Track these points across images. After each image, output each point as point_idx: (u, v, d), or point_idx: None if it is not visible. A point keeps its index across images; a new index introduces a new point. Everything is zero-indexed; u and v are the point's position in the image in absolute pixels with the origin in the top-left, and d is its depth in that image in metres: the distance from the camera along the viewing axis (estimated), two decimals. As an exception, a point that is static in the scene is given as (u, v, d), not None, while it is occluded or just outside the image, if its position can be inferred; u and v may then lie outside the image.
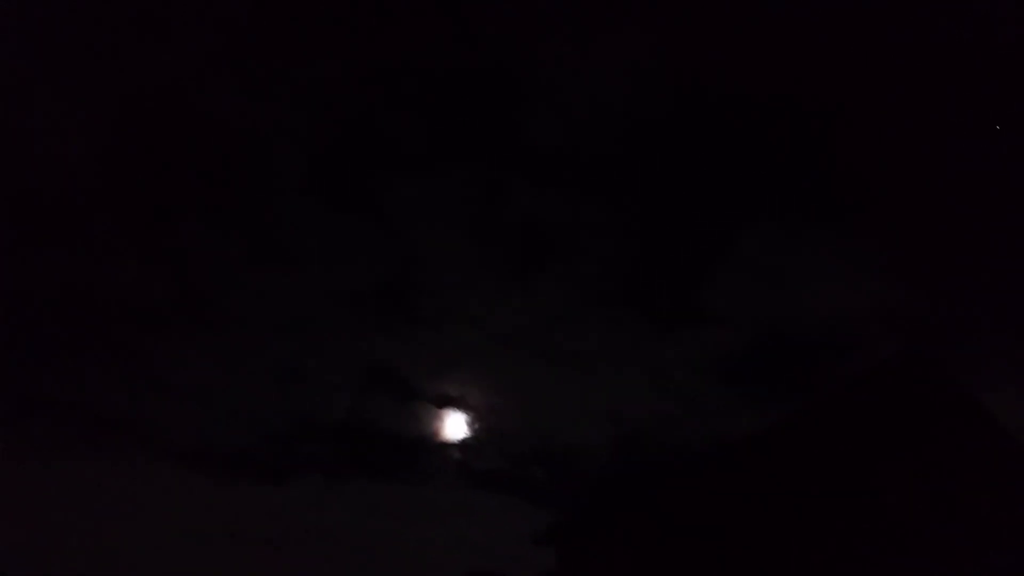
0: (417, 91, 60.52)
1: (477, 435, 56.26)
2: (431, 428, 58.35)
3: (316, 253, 65.28)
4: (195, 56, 52.61)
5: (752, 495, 14.29)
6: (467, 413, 56.93)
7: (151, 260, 60.07)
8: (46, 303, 54.00)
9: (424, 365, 67.66)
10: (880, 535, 13.21)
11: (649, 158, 65.00)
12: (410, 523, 56.33)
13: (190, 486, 52.56)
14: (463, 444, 55.76)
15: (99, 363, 58.20)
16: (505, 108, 64.45)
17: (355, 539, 54.97)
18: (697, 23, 52.22)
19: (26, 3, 41.84)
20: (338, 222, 66.56)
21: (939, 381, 15.29)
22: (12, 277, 51.15)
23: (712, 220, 66.10)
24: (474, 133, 64.82)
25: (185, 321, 61.65)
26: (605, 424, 63.24)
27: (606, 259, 69.34)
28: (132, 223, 58.20)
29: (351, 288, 68.39)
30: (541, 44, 56.63)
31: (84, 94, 51.26)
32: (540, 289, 68.67)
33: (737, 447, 16.07)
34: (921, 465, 14.22)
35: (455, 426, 56.18)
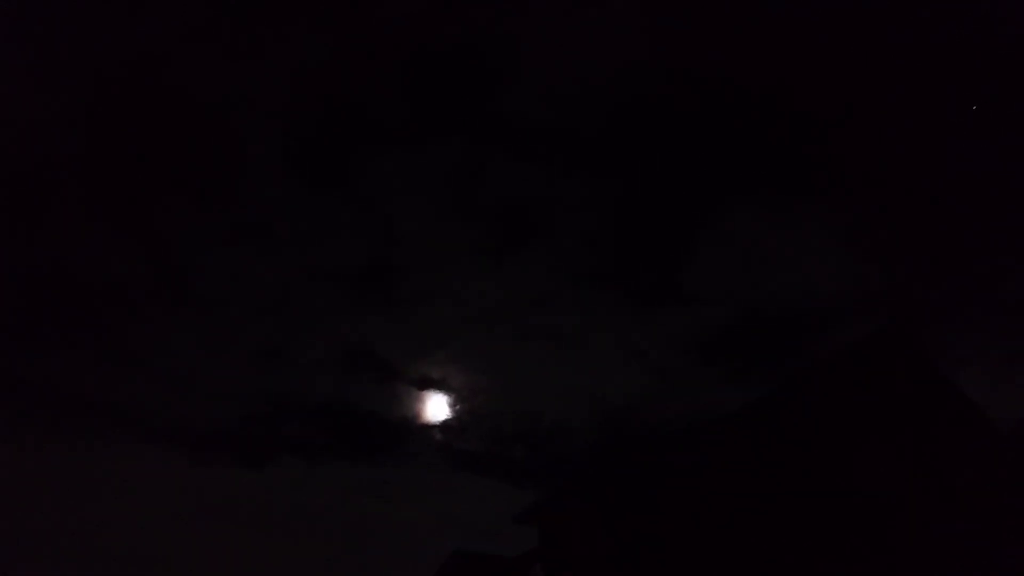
0: (396, 67, 59.95)
1: (459, 416, 56.43)
2: (413, 409, 58.41)
3: (295, 232, 64.80)
4: (171, 32, 51.69)
5: (733, 472, 14.40)
6: (448, 394, 57.05)
7: (128, 239, 59.35)
8: (22, 283, 53.25)
9: (405, 346, 67.63)
10: (857, 510, 13.38)
11: (631, 136, 64.90)
12: (393, 504, 56.53)
13: (169, 467, 52.39)
14: (445, 425, 55.93)
15: (76, 343, 57.60)
16: (486, 84, 64.03)
17: (337, 520, 55.09)
18: (683, 2, 51.99)
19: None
20: (317, 200, 66.03)
21: (915, 358, 15.47)
22: (-15, 259, 50.34)
23: (693, 198, 66.27)
24: (454, 109, 64.37)
25: (163, 301, 61.12)
26: (586, 403, 63.62)
27: (587, 237, 69.40)
28: (108, 202, 57.39)
29: (330, 267, 68.02)
30: (523, 20, 56.19)
31: (58, 72, 50.25)
32: (521, 268, 68.67)
33: (718, 424, 16.18)
34: (897, 440, 14.41)
35: (436, 407, 56.28)
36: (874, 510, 13.49)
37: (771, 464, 13.88)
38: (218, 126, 58.40)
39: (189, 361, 61.14)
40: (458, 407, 56.50)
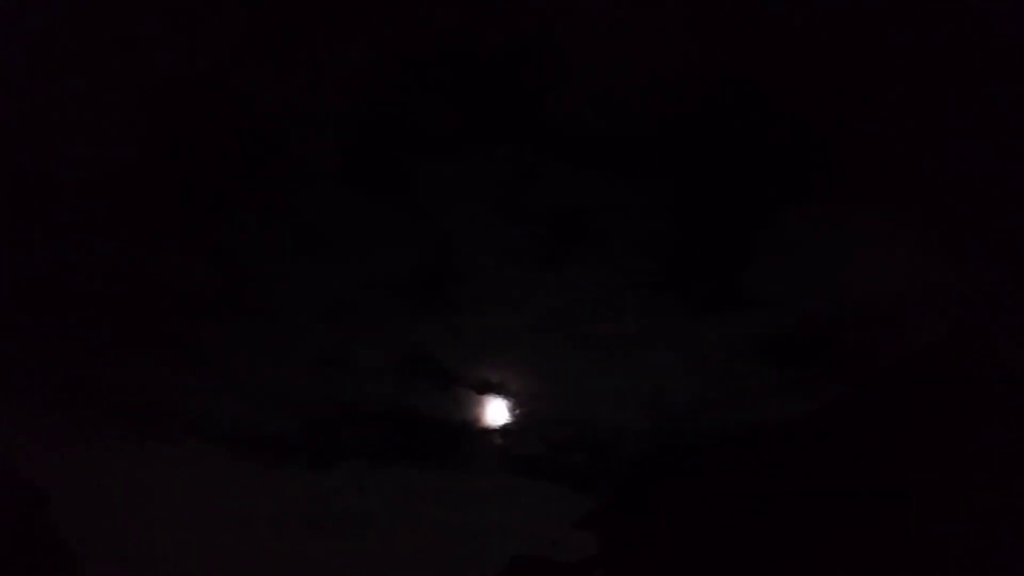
0: (448, 74, 60.49)
1: (517, 421, 56.38)
2: (472, 414, 58.64)
3: (353, 240, 65.85)
4: (229, 44, 53.20)
5: (796, 481, 14.11)
6: (507, 399, 57.07)
7: (195, 250, 61.20)
8: (96, 292, 55.31)
9: (463, 351, 67.95)
10: (930, 520, 12.96)
11: (684, 140, 64.18)
12: (452, 508, 56.82)
13: (236, 470, 53.65)
14: (504, 430, 55.95)
15: (144, 350, 59.59)
16: (538, 90, 64.08)
17: (397, 524, 55.63)
18: (736, 4, 51.23)
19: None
20: (373, 209, 67.00)
21: (989, 363, 14.90)
22: (64, 267, 52.48)
23: (752, 201, 65.09)
24: (506, 116, 64.61)
25: (229, 310, 62.78)
26: (645, 409, 62.94)
27: (643, 242, 68.77)
28: (174, 213, 59.26)
29: (388, 274, 68.85)
30: (571, 26, 56.13)
31: (121, 87, 52.15)
32: (577, 273, 68.41)
33: (780, 432, 15.86)
34: (971, 449, 13.89)
35: (495, 412, 56.38)
36: (946, 520, 13.04)
37: (838, 472, 13.55)
38: (276, 138, 59.82)
39: (253, 367, 62.66)
40: (517, 412, 56.51)
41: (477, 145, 65.09)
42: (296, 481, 56.19)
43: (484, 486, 58.34)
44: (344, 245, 65.87)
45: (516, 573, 27.31)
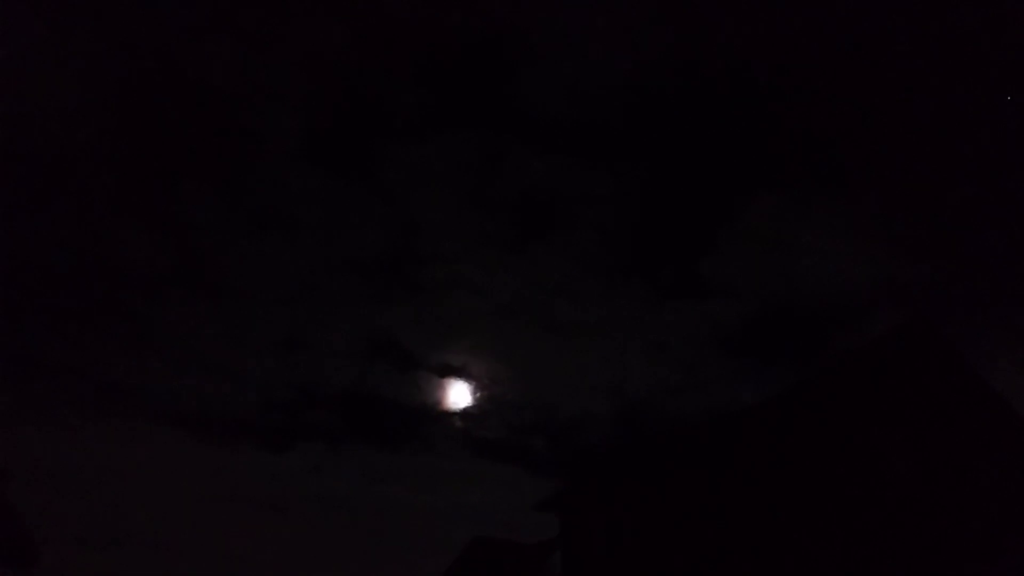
0: (416, 59, 60.02)
1: (479, 404, 56.66)
2: (433, 397, 58.78)
3: (316, 222, 65.27)
4: (193, 24, 52.09)
5: (753, 466, 14.45)
6: (469, 383, 57.31)
7: (153, 227, 60.08)
8: (49, 269, 54.12)
9: (426, 335, 67.93)
10: (882, 505, 13.38)
11: (652, 128, 64.56)
12: (413, 490, 56.98)
13: (193, 451, 53.14)
14: (465, 413, 56.20)
15: (102, 328, 58.54)
16: (505, 75, 63.94)
17: (359, 505, 55.65)
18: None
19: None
20: (338, 190, 66.47)
21: (942, 353, 15.36)
22: (15, 243, 51.19)
23: (715, 190, 65.84)
24: (473, 100, 64.38)
25: (188, 288, 61.88)
26: (606, 394, 63.64)
27: (608, 229, 69.26)
28: (134, 192, 58.11)
29: (352, 257, 68.48)
30: (540, 12, 55.98)
31: (83, 64, 50.84)
32: (541, 259, 68.69)
33: (739, 418, 16.21)
34: (923, 437, 14.35)
35: (457, 395, 56.57)
36: (900, 506, 13.48)
37: (792, 459, 13.91)
38: (240, 117, 58.89)
39: (213, 348, 61.92)
40: (478, 395, 56.79)
41: (443, 129, 64.81)
42: (255, 462, 55.83)
43: (445, 468, 58.61)
44: (307, 226, 65.27)
45: (476, 554, 27.56)
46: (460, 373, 62.40)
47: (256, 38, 55.46)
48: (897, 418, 14.28)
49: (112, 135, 55.83)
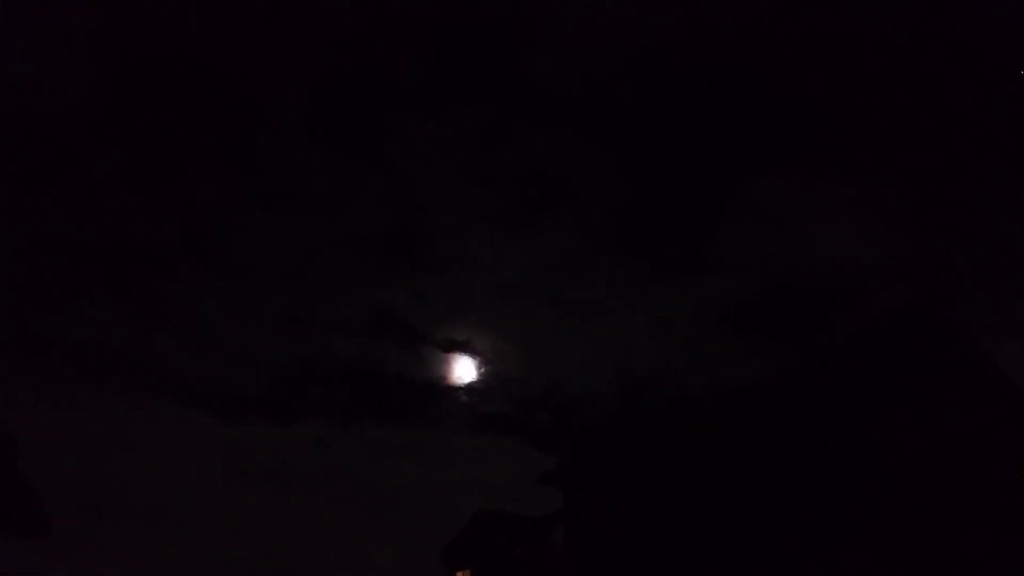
0: (420, 33, 59.58)
1: (484, 380, 56.87)
2: (438, 372, 58.95)
3: (321, 197, 65.19)
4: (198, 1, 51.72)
5: (757, 443, 14.55)
6: (473, 358, 57.45)
7: (158, 203, 60.11)
8: (54, 244, 54.24)
9: (430, 310, 68.07)
10: (885, 484, 13.47)
11: (658, 104, 64.15)
12: (418, 464, 57.41)
13: (198, 424, 53.54)
14: (470, 388, 56.42)
15: (109, 303, 58.75)
16: (511, 51, 63.47)
17: (363, 480, 56.11)
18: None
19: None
20: (342, 165, 66.30)
21: (947, 332, 15.35)
22: (22, 219, 51.28)
23: (721, 167, 65.54)
24: (479, 76, 63.97)
25: (192, 263, 62.00)
26: (610, 370, 63.79)
27: (612, 206, 69.06)
28: (139, 168, 58.05)
29: (357, 232, 68.41)
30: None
31: (86, 39, 50.58)
32: (546, 235, 68.58)
33: (743, 395, 16.29)
34: (927, 416, 14.40)
35: (462, 370, 56.75)
36: (902, 485, 13.57)
37: (795, 437, 14.00)
38: (245, 92, 58.62)
39: (218, 323, 62.23)
40: (483, 371, 56.97)
41: (449, 104, 64.46)
42: (260, 436, 56.27)
43: (450, 443, 58.96)
44: (311, 201, 65.19)
45: (480, 528, 27.85)
46: (465, 348, 62.62)
47: (260, 12, 55.06)
48: (901, 397, 14.33)
49: (116, 110, 55.70)
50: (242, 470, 53.41)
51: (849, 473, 13.36)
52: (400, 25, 57.98)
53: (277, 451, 56.21)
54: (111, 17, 49.92)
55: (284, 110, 61.57)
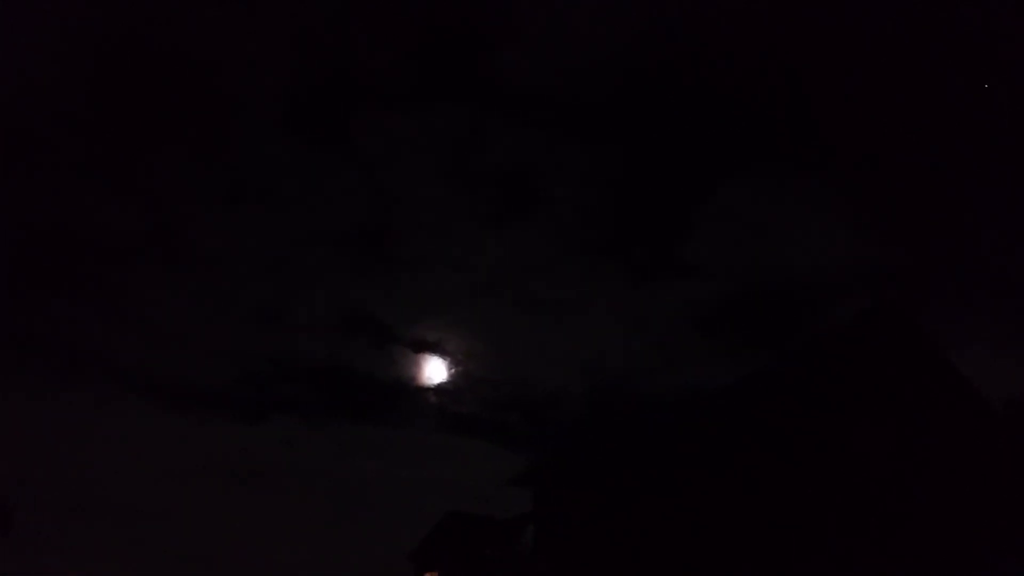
0: (397, 29, 59.30)
1: (455, 380, 56.80)
2: (409, 372, 58.81)
3: (293, 192, 64.66)
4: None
5: (724, 444, 14.66)
6: (445, 358, 57.42)
7: (126, 196, 59.20)
8: (18, 237, 53.17)
9: (402, 309, 67.86)
10: (850, 484, 13.66)
11: (632, 106, 64.47)
12: (388, 464, 57.16)
13: (164, 421, 52.87)
14: (440, 388, 56.32)
15: (74, 298, 57.74)
16: (486, 49, 63.42)
17: (333, 478, 55.72)
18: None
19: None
20: (316, 162, 65.78)
21: (910, 336, 15.62)
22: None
23: (692, 171, 66.04)
24: (454, 73, 63.84)
25: (162, 258, 61.17)
26: (582, 372, 64.03)
27: (586, 207, 69.30)
28: (108, 159, 57.11)
29: (328, 229, 67.97)
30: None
31: (57, 29, 49.63)
32: (520, 235, 68.65)
33: (711, 397, 16.42)
34: (891, 417, 14.62)
35: (433, 371, 56.63)
36: (867, 486, 13.76)
37: (762, 438, 14.13)
38: (217, 86, 57.92)
39: (186, 318, 61.41)
40: (454, 371, 56.92)
41: (424, 102, 64.24)
42: (228, 434, 55.67)
43: (420, 443, 58.79)
44: (283, 197, 64.65)
45: (450, 528, 27.77)
46: (436, 348, 62.53)
47: (234, 4, 54.47)
48: (866, 400, 14.54)
49: (86, 102, 54.74)
50: (210, 468, 52.82)
51: (815, 472, 13.52)
52: (377, 23, 57.70)
53: (246, 449, 55.68)
54: (83, 7, 49.07)
55: (259, 105, 60.98)
